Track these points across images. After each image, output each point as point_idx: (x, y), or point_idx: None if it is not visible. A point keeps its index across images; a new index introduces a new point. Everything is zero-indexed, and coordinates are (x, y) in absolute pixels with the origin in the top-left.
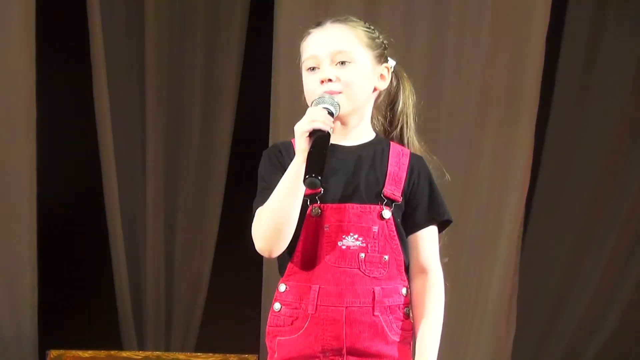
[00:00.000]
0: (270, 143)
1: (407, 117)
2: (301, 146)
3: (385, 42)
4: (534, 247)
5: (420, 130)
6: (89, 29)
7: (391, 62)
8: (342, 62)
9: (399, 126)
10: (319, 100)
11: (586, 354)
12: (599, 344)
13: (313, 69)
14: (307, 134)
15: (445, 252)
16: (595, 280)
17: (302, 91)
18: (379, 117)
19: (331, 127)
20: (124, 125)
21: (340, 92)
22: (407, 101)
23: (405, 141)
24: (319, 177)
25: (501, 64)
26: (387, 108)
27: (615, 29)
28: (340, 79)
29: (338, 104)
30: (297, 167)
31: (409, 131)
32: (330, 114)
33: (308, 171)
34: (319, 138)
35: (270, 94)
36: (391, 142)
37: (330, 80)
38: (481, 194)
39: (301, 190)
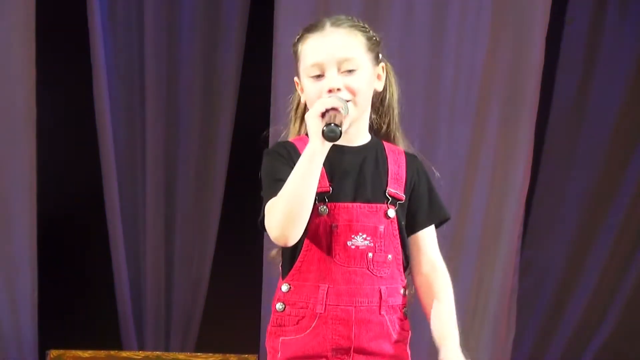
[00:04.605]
0: (271, 143)
1: (393, 110)
2: (315, 128)
3: (378, 39)
4: (534, 247)
5: (421, 130)
6: (89, 29)
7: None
8: (350, 71)
9: (387, 120)
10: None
11: (586, 353)
12: (599, 344)
13: (318, 76)
14: (320, 114)
15: (443, 250)
16: (595, 280)
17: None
18: (372, 114)
19: (342, 107)
20: (124, 125)
21: (349, 101)
22: (393, 94)
23: (392, 136)
24: (339, 128)
25: (501, 63)
26: (377, 103)
27: (615, 29)
28: (349, 87)
29: (348, 107)
30: (312, 151)
31: (394, 125)
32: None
33: (327, 122)
34: (334, 112)
35: (270, 94)
36: (384, 142)
37: (339, 89)
38: (481, 194)
39: (317, 173)
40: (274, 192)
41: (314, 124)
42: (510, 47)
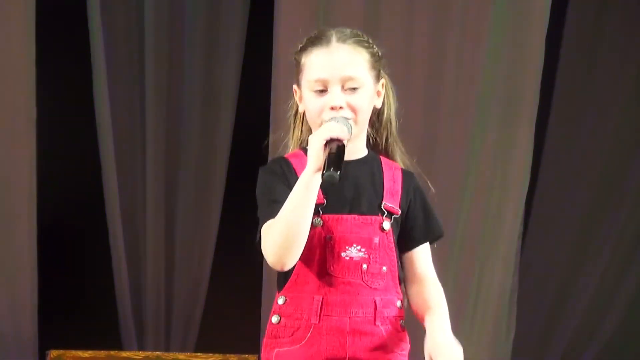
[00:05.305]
0: (270, 144)
1: (390, 124)
2: (315, 153)
3: (380, 54)
4: (534, 247)
5: (421, 131)
6: (89, 29)
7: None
8: (353, 89)
9: (385, 134)
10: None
11: (586, 354)
12: (599, 344)
13: (321, 91)
14: (324, 142)
15: (443, 250)
16: (595, 280)
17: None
18: (368, 127)
19: (346, 139)
20: (124, 125)
21: (349, 119)
22: (391, 108)
23: (390, 149)
24: (338, 172)
25: (501, 64)
26: (374, 117)
27: (615, 30)
28: (351, 105)
29: (351, 127)
30: (309, 176)
31: (392, 139)
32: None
33: (328, 166)
34: (336, 145)
35: (270, 94)
36: (381, 156)
37: (341, 107)
38: (481, 194)
39: (313, 199)
40: (270, 213)
41: (316, 149)
42: (510, 48)
